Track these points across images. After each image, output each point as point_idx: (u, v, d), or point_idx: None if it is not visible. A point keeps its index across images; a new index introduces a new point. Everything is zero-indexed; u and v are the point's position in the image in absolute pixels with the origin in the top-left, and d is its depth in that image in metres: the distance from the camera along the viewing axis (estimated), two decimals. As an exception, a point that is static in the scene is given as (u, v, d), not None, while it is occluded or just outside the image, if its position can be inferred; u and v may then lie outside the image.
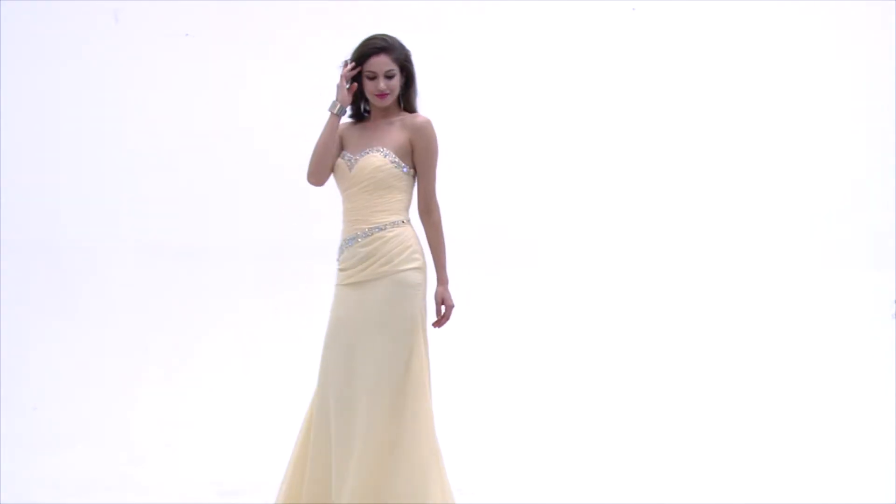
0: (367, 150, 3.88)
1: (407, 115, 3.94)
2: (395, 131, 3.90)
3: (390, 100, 3.88)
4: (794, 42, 8.22)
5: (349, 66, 3.88)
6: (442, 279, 4.00)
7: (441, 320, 4.01)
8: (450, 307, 4.01)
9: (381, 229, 3.86)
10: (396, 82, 3.87)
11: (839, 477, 5.01)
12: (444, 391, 6.01)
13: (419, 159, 3.92)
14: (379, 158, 3.86)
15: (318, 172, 3.92)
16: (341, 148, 3.96)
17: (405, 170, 3.89)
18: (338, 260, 3.95)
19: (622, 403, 6.21)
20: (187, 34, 8.14)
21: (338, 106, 3.88)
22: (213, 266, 8.00)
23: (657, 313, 7.70)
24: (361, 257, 3.86)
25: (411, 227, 3.94)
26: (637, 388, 6.48)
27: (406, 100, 3.96)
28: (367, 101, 3.97)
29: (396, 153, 3.88)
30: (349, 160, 3.90)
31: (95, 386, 6.44)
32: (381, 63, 3.84)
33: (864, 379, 6.58)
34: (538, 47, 8.19)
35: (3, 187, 8.09)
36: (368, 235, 3.86)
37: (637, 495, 4.83)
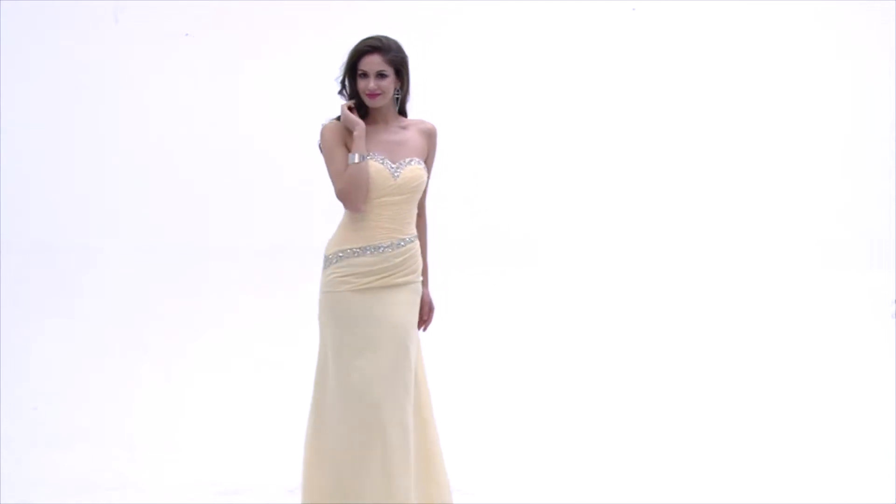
0: (408, 161, 3.86)
1: (417, 121, 3.95)
2: (416, 138, 3.91)
3: (381, 101, 3.83)
4: (794, 42, 8.23)
5: (346, 104, 3.86)
6: (426, 281, 4.04)
7: (427, 323, 4.06)
8: (433, 309, 4.08)
9: (412, 241, 3.89)
10: (388, 84, 3.81)
11: (839, 477, 5.01)
12: (443, 391, 6.01)
13: (428, 166, 3.98)
14: (422, 172, 3.88)
15: (361, 200, 3.78)
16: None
17: None
18: (339, 263, 3.84)
19: (621, 403, 6.21)
20: (187, 34, 8.14)
21: (357, 156, 3.77)
22: (212, 266, 8.00)
23: (657, 313, 7.70)
24: (393, 265, 3.83)
25: None
26: (636, 387, 6.48)
27: (399, 104, 3.94)
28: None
29: (424, 162, 3.92)
30: (391, 168, 3.83)
31: (95, 386, 6.44)
32: (373, 62, 3.79)
33: (864, 379, 6.57)
34: (538, 47, 8.20)
35: (3, 187, 8.10)
36: (404, 245, 3.85)
37: (637, 495, 4.83)
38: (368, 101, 3.84)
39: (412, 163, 3.85)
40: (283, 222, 7.97)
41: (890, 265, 7.95)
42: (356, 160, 3.76)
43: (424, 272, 4.03)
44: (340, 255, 3.83)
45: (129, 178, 8.14)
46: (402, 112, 3.96)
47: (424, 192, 3.99)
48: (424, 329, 4.08)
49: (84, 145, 8.17)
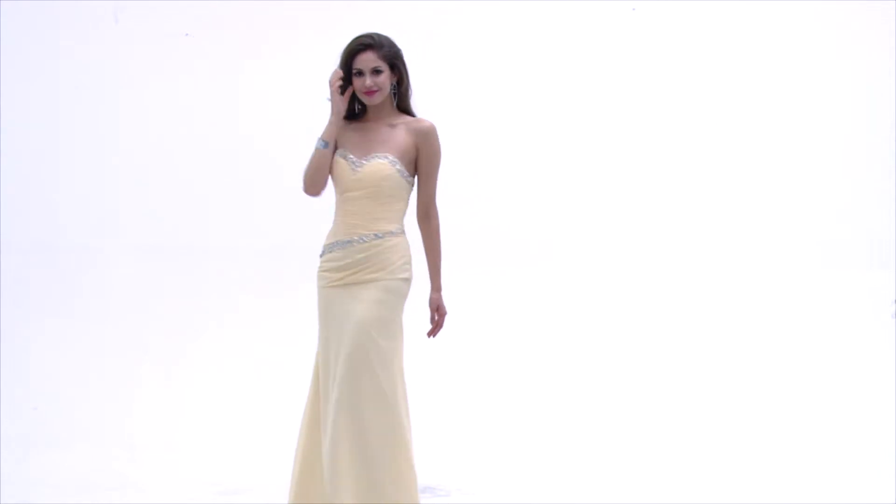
0: (375, 156, 3.82)
1: (411, 119, 3.89)
2: (400, 136, 3.86)
3: (379, 97, 3.82)
4: (795, 42, 8.22)
5: (337, 75, 3.83)
6: (437, 285, 3.98)
7: (435, 328, 4.00)
8: (443, 314, 4.00)
9: (380, 237, 3.82)
10: (384, 80, 3.80)
11: (839, 477, 5.01)
12: (444, 391, 6.02)
13: (423, 165, 3.89)
14: (387, 167, 3.81)
15: (315, 186, 3.87)
16: (336, 146, 3.90)
17: (408, 179, 3.87)
18: (321, 258, 3.88)
19: (622, 402, 6.21)
20: (187, 34, 8.14)
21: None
22: (212, 266, 8.00)
23: (657, 312, 7.70)
24: (356, 261, 3.80)
25: (406, 237, 3.90)
26: (636, 387, 6.48)
27: (399, 99, 3.90)
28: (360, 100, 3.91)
29: (401, 160, 3.84)
30: (353, 162, 3.83)
31: (95, 386, 6.45)
32: (367, 60, 3.78)
33: (864, 379, 6.58)
34: (538, 47, 8.20)
35: (3, 187, 8.10)
36: (366, 241, 3.81)
37: (636, 496, 4.82)
38: (367, 100, 3.83)
39: (377, 158, 3.82)
40: (283, 222, 7.97)
41: (890, 265, 7.95)
42: (319, 146, 3.82)
43: (436, 276, 3.97)
44: (322, 250, 3.90)
45: (129, 178, 8.14)
46: (404, 108, 3.92)
47: (431, 193, 3.92)
48: (434, 335, 4.02)
49: (84, 145, 8.17)
